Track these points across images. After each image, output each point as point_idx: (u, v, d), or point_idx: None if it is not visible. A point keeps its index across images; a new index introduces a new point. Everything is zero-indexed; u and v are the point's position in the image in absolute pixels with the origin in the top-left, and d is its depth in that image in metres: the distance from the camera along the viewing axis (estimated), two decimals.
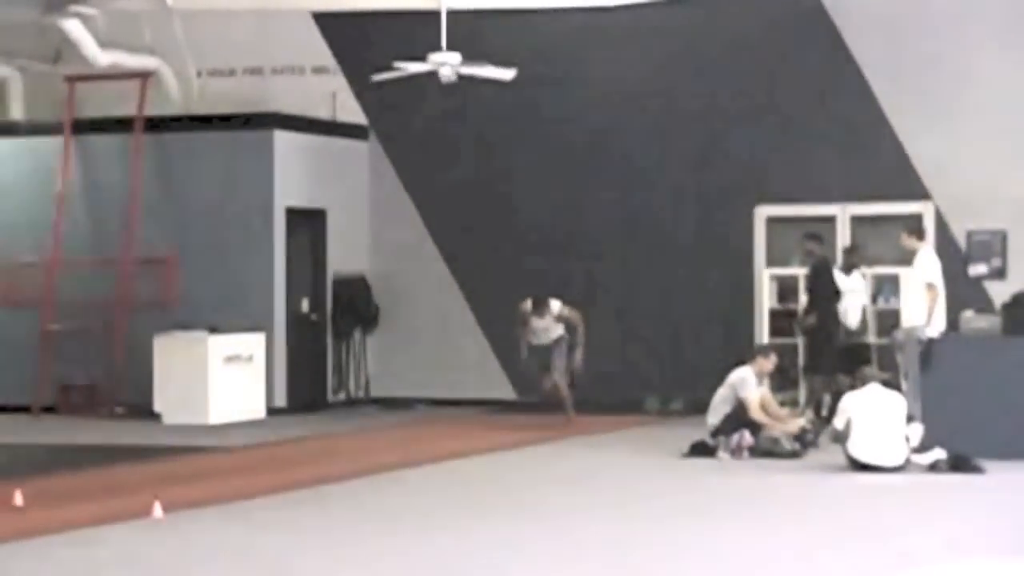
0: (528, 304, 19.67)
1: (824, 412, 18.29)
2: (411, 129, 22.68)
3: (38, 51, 22.57)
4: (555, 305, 19.59)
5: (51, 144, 22.03)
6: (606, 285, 22.05)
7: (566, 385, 19.72)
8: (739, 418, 16.46)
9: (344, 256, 22.74)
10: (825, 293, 19.23)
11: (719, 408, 16.65)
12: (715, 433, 16.57)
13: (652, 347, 21.81)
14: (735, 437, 16.40)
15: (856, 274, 19.68)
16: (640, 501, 13.89)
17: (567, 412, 19.73)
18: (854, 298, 19.48)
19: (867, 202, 20.83)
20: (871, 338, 19.78)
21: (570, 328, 19.67)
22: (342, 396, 22.76)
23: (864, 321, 19.72)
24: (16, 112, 22.96)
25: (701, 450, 16.54)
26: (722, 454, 16.40)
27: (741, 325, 20.79)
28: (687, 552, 11.34)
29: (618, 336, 21.90)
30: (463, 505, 13.66)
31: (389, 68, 19.28)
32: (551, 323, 19.60)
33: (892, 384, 16.12)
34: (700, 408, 17.46)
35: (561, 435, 18.80)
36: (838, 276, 19.39)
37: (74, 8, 20.61)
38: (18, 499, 13.21)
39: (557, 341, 19.69)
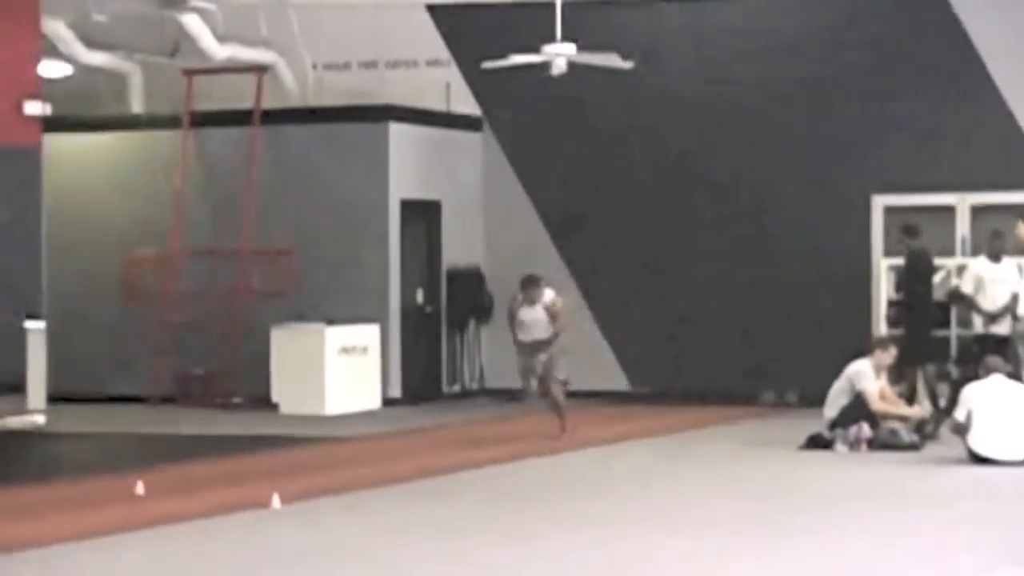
0: (519, 294, 17.58)
1: (943, 404, 18.05)
2: (525, 120, 22.66)
3: (157, 45, 22.80)
4: (548, 293, 17.49)
5: (169, 138, 22.25)
6: (721, 276, 21.91)
7: (562, 392, 17.67)
8: (857, 411, 16.31)
9: (458, 247, 22.78)
10: (919, 285, 18.94)
11: (836, 401, 16.51)
12: (832, 426, 16.43)
13: (768, 339, 21.65)
14: (853, 430, 16.25)
15: (1007, 261, 18.67)
16: (758, 494, 13.79)
17: (562, 421, 17.64)
18: (1003, 287, 18.42)
19: (987, 191, 20.55)
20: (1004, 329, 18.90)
21: (551, 320, 17.37)
22: (456, 387, 22.81)
23: (1011, 310, 18.67)
24: (135, 106, 23.20)
25: (818, 443, 16.41)
26: (840, 447, 16.25)
27: (859, 317, 20.59)
28: (807, 547, 11.24)
29: (734, 328, 21.78)
30: (576, 498, 13.62)
31: (503, 58, 19.27)
32: (542, 315, 17.35)
33: (1016, 376, 15.89)
34: (816, 400, 17.32)
35: (670, 428, 18.69)
36: (983, 264, 18.45)
37: (192, 2, 20.80)
38: (139, 489, 13.37)
39: (544, 344, 17.39)
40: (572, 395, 21.94)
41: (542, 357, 17.29)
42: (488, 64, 19.40)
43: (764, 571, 10.48)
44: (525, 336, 17.36)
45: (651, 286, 22.20)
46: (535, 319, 17.31)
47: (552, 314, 17.27)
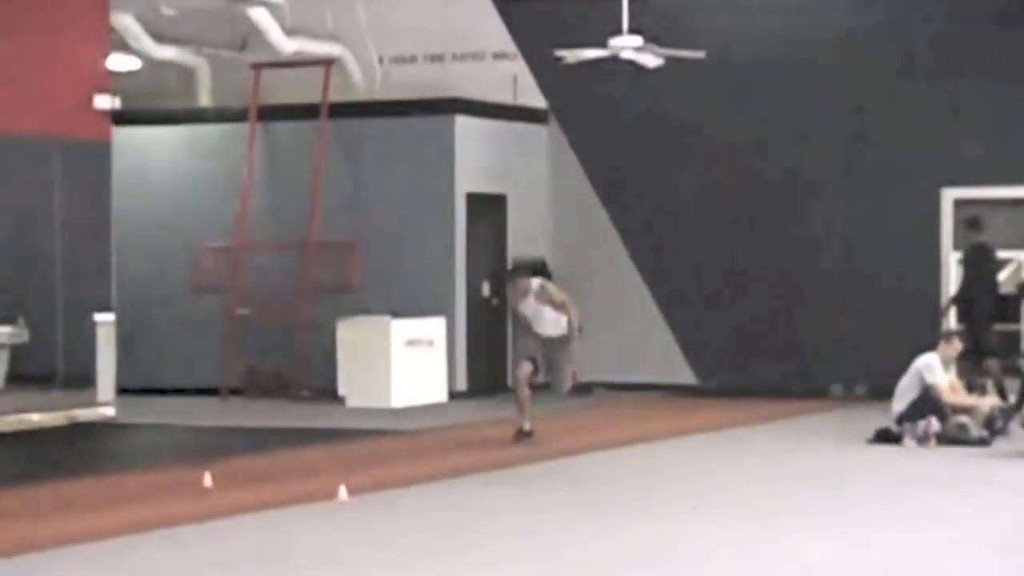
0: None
1: (1013, 398, 17.92)
2: (592, 113, 22.63)
3: (225, 39, 22.92)
4: (534, 283, 16.42)
5: (237, 131, 22.35)
6: (790, 269, 21.82)
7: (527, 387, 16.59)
8: (926, 405, 16.20)
9: (524, 241, 22.77)
10: (978, 279, 18.79)
11: (905, 394, 16.40)
12: (901, 420, 16.33)
13: (836, 332, 21.54)
14: (921, 424, 16.15)
15: None
16: (827, 487, 13.73)
17: (523, 417, 16.56)
18: None
19: None
20: None
21: (558, 307, 16.56)
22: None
23: None
24: (204, 99, 23.33)
25: (886, 437, 16.32)
26: (908, 441, 16.15)
27: (928, 310, 20.45)
28: (877, 537, 11.19)
29: (802, 321, 21.68)
30: (641, 492, 13.59)
31: (572, 52, 19.25)
32: (537, 307, 16.38)
33: None
34: (884, 394, 17.22)
35: (739, 422, 18.64)
36: None
37: None
38: (207, 480, 13.43)
39: (560, 339, 16.50)
40: (637, 389, 21.98)
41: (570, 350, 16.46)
42: (560, 52, 19.34)
43: (835, 558, 10.43)
44: (542, 329, 16.46)
45: (718, 279, 22.14)
46: (534, 310, 16.39)
47: (551, 300, 16.33)
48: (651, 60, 18.72)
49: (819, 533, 11.42)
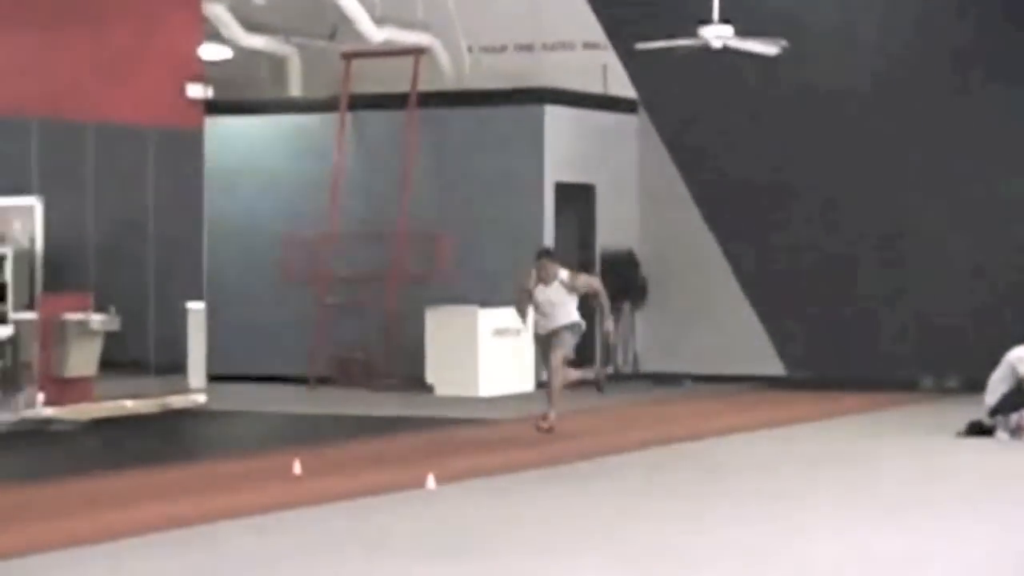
0: (533, 271, 16.12)
1: None
2: (681, 103, 22.54)
3: (315, 29, 23.02)
4: (563, 273, 16.05)
5: (327, 120, 22.44)
6: (880, 261, 21.66)
7: (560, 378, 16.12)
8: (1018, 398, 16.03)
9: (612, 231, 22.74)
10: None
11: (997, 387, 16.24)
12: (993, 412, 16.17)
13: (928, 324, 21.36)
14: (1014, 417, 15.99)
15: None
16: (918, 478, 13.63)
17: (550, 407, 16.09)
18: None
19: None
20: None
21: (591, 296, 16.26)
22: (610, 370, 22.76)
23: None
24: (294, 89, 23.44)
25: (978, 430, 16.17)
26: (1000, 434, 16.00)
27: (1021, 302, 20.23)
28: (967, 529, 11.09)
29: (893, 313, 21.52)
30: (723, 484, 13.53)
31: (660, 41, 19.19)
32: (561, 295, 15.91)
33: None
34: (976, 387, 17.06)
35: (827, 414, 18.52)
36: None
37: None
38: (297, 468, 13.50)
39: (571, 328, 16.04)
40: (725, 380, 21.89)
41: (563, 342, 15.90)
42: (643, 45, 19.30)
43: (924, 549, 10.35)
44: (542, 325, 16.00)
45: (808, 270, 22.00)
46: (551, 300, 15.90)
47: (588, 289, 16.04)
48: (751, 46, 18.60)
49: (905, 526, 11.33)
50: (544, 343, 16.20)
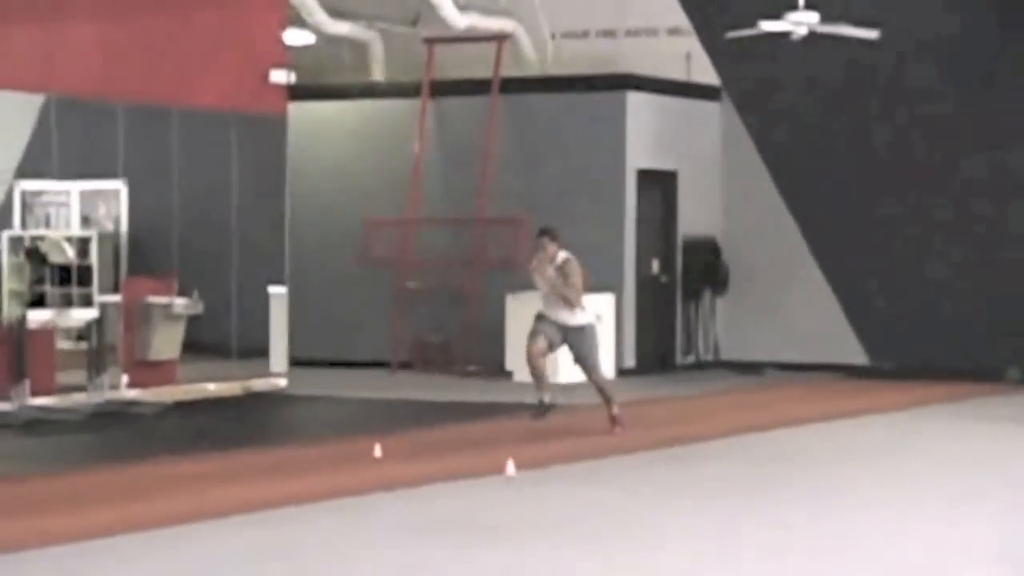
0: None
1: None
2: (765, 90, 22.41)
3: (398, 14, 23.05)
4: (561, 254, 14.97)
5: (409, 106, 22.48)
6: (965, 250, 21.45)
7: (605, 381, 15.61)
8: None
9: (695, 218, 22.66)
10: None
11: None
12: None
13: (1012, 315, 21.14)
14: None
15: None
16: (995, 470, 13.50)
17: (542, 391, 15.22)
18: None
19: None
20: None
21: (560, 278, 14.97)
22: (691, 358, 22.72)
23: None
24: (377, 74, 23.50)
25: None
26: None
27: None
28: None
29: (978, 303, 21.32)
30: (801, 475, 13.45)
31: (744, 28, 19.08)
32: (555, 279, 14.87)
33: None
34: None
35: (909, 404, 18.38)
36: None
37: None
38: (377, 452, 13.55)
39: (578, 330, 15.08)
40: (807, 369, 21.76)
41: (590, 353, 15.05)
42: (732, 34, 19.20)
43: (991, 543, 10.26)
44: (548, 310, 15.06)
45: (893, 259, 21.83)
46: (549, 282, 14.89)
47: (564, 273, 14.86)
48: (802, 32, 18.45)
49: (986, 519, 11.23)
50: (555, 333, 14.96)
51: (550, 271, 14.90)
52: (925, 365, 21.27)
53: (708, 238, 22.79)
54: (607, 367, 20.99)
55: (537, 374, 15.08)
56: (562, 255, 14.98)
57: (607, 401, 15.36)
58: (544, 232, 15.14)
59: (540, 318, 15.10)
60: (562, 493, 12.28)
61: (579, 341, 15.11)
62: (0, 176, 20.92)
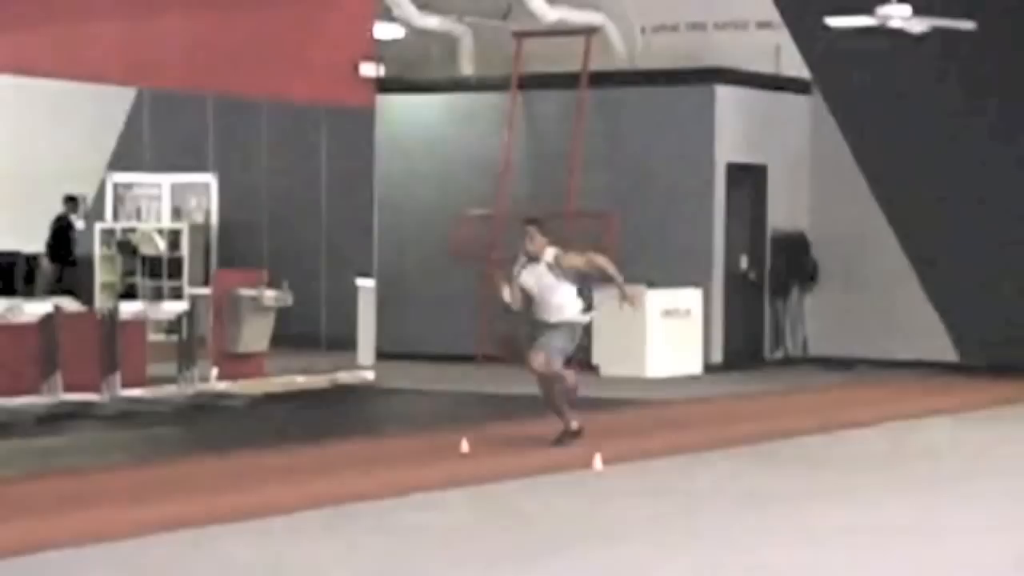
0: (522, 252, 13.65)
1: None
2: (856, 84, 22.23)
3: (488, 8, 23.06)
4: (550, 252, 13.51)
5: (498, 100, 22.48)
6: None
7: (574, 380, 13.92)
8: None
9: (784, 212, 22.53)
10: None
11: None
12: None
13: None
14: None
15: None
16: None
17: (564, 420, 13.80)
18: None
19: None
20: None
21: (596, 275, 13.99)
22: (779, 354, 22.60)
23: None
24: (466, 68, 23.51)
25: None
26: None
27: None
28: None
29: None
30: (886, 474, 13.32)
31: (835, 20, 18.94)
32: (551, 278, 13.43)
33: None
34: None
35: (999, 401, 18.17)
36: None
37: None
38: (464, 446, 13.55)
39: (569, 327, 13.64)
40: (897, 365, 21.57)
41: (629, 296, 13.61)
42: (823, 26, 19.05)
43: None
44: (546, 313, 13.55)
45: (984, 255, 21.60)
46: (540, 284, 13.46)
47: (571, 265, 13.48)
48: (917, 26, 18.30)
49: None
50: (543, 332, 13.60)
51: (543, 270, 13.41)
52: (1016, 362, 21.03)
53: (797, 233, 22.65)
54: (695, 362, 20.97)
55: (555, 397, 13.73)
56: (551, 251, 13.46)
57: (556, 409, 13.77)
58: (533, 221, 13.69)
59: (537, 327, 13.58)
60: (649, 488, 12.23)
61: (551, 330, 13.52)
62: (92, 169, 21.10)
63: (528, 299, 13.60)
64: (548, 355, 13.51)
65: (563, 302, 13.60)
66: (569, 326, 13.66)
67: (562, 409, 13.72)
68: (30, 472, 12.50)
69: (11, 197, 25.02)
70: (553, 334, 13.52)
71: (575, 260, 13.53)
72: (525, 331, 13.54)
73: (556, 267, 13.42)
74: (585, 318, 13.96)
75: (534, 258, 13.45)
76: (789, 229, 22.58)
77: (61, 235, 20.75)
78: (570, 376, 13.95)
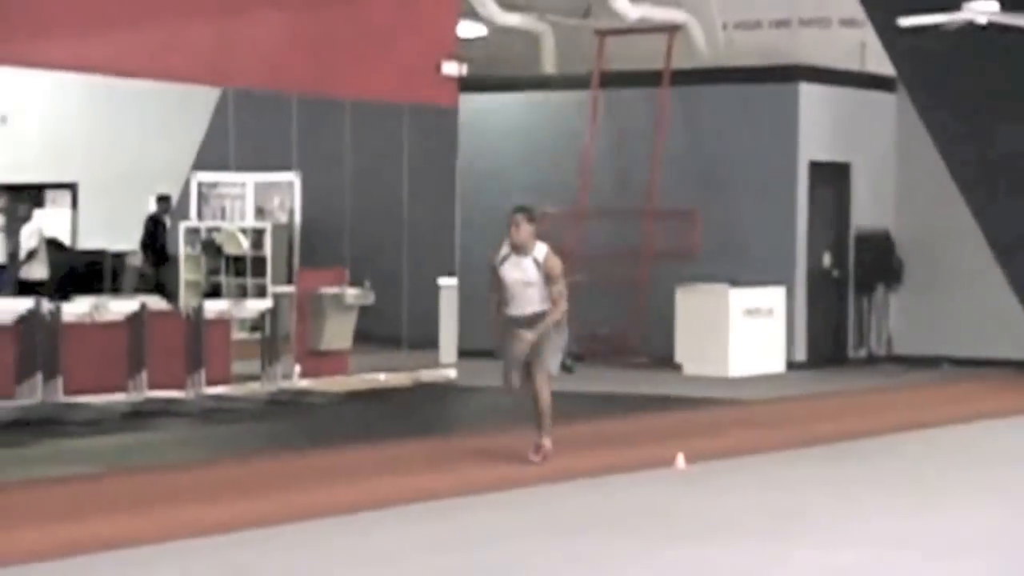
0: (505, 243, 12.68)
1: None
2: (942, 81, 22.03)
3: (569, 6, 23.05)
4: (540, 247, 12.60)
5: (580, 98, 22.46)
6: None
7: (549, 394, 12.89)
8: None
9: (867, 211, 22.38)
10: None
11: None
12: None
13: None
14: None
15: None
16: None
17: (541, 432, 12.83)
18: None
19: None
20: None
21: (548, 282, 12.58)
22: (863, 352, 22.45)
23: None
24: (548, 66, 23.51)
25: None
26: None
27: None
28: None
29: None
30: (971, 473, 13.19)
31: (920, 17, 18.79)
32: (533, 274, 12.54)
33: None
34: None
35: None
36: None
37: None
38: (547, 444, 13.50)
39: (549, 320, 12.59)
40: (984, 364, 21.37)
41: (529, 336, 12.43)
42: (905, 21, 18.91)
43: None
44: (517, 308, 12.57)
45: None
46: (525, 280, 12.53)
47: (550, 275, 12.49)
48: (1003, 21, 18.13)
49: None
50: (517, 328, 12.56)
51: (529, 265, 12.50)
52: None
53: (881, 231, 22.50)
54: (778, 361, 20.87)
55: (536, 407, 12.76)
56: (541, 247, 12.56)
57: (539, 420, 12.82)
58: (522, 209, 12.67)
59: (508, 333, 12.60)
60: (732, 487, 12.18)
61: (549, 341, 12.67)
62: (177, 168, 21.27)
63: (504, 293, 12.62)
64: (550, 373, 12.81)
65: (541, 296, 12.59)
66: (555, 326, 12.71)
67: (547, 422, 12.81)
68: (116, 468, 12.60)
69: (97, 197, 25.29)
70: (544, 347, 12.62)
71: (554, 272, 12.49)
72: (502, 332, 12.62)
73: (541, 266, 12.49)
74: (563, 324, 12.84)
75: (519, 249, 12.52)
76: (873, 227, 22.43)
77: (155, 234, 20.92)
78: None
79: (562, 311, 12.55)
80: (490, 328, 12.93)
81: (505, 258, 12.59)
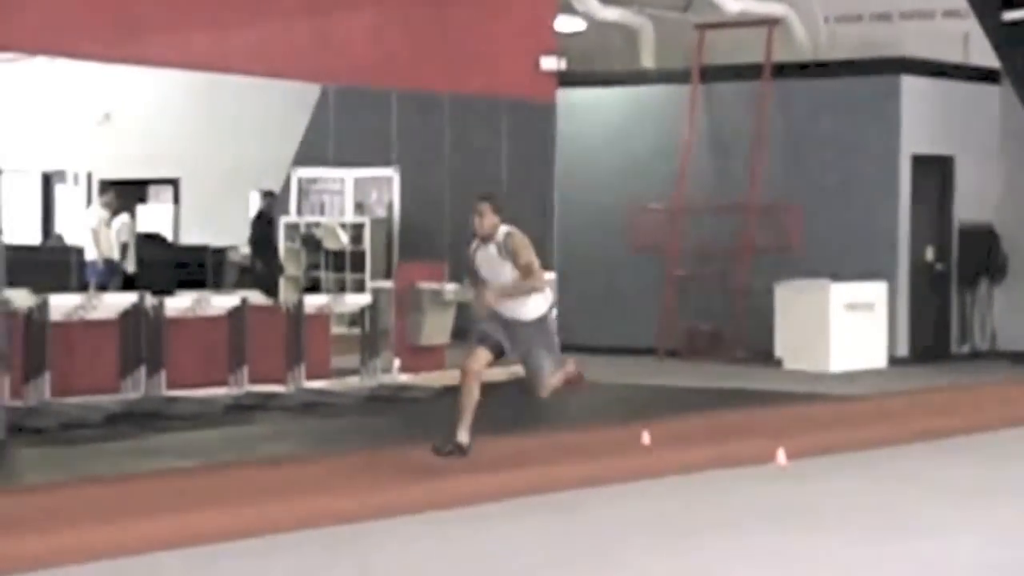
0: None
1: None
2: None
3: (669, 0, 22.96)
4: (502, 230, 11.96)
5: (679, 92, 22.37)
6: None
7: (556, 381, 12.33)
8: None
9: (971, 204, 22.13)
10: None
11: None
12: None
13: None
14: None
15: None
16: None
17: (459, 425, 11.98)
18: None
19: None
20: None
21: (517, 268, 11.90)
22: (966, 348, 22.21)
23: None
24: (647, 60, 23.43)
25: None
26: None
27: None
28: None
29: None
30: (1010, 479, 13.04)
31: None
32: (501, 258, 11.90)
33: None
34: None
35: None
36: None
37: None
38: (645, 439, 13.51)
39: (538, 325, 12.00)
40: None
41: (489, 296, 11.82)
42: (1009, 15, 18.70)
43: None
44: (512, 311, 11.95)
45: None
46: (495, 267, 11.93)
47: (515, 251, 11.85)
48: None
49: None
50: (502, 334, 11.98)
51: (492, 252, 11.90)
52: None
53: (985, 225, 22.24)
54: (879, 356, 20.69)
55: (466, 403, 12.06)
56: (504, 229, 11.92)
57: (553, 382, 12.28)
58: (486, 198, 12.07)
59: (510, 327, 12.02)
60: (834, 483, 12.09)
61: (529, 337, 12.00)
62: (278, 164, 21.38)
63: (480, 283, 12.09)
64: (553, 371, 12.26)
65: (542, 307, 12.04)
66: (541, 321, 12.11)
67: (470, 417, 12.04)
68: (222, 462, 12.68)
69: (199, 193, 25.52)
70: (537, 348, 12.05)
71: (518, 247, 11.85)
72: (480, 328, 12.04)
73: (504, 249, 11.86)
74: (552, 311, 12.29)
75: (486, 239, 11.95)
76: (977, 221, 22.19)
77: (264, 229, 21.02)
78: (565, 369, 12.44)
79: (538, 281, 11.88)
80: (477, 318, 12.24)
81: (476, 249, 12.04)
